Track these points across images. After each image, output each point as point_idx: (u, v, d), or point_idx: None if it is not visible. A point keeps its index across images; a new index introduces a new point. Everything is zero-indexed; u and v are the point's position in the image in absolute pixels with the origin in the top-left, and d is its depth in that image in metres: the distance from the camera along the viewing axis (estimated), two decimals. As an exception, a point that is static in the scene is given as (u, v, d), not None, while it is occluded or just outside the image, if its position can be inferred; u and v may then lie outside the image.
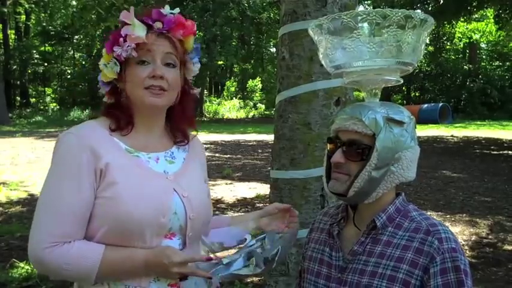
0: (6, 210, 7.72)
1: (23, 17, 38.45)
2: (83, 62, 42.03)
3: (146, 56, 1.67)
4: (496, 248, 6.02)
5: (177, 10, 1.74)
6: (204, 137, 21.18)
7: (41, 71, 39.79)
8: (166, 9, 1.72)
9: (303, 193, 2.86)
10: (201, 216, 1.75)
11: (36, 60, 38.78)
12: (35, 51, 38.67)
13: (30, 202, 8.05)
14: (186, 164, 1.81)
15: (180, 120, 1.83)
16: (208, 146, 17.75)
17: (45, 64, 39.46)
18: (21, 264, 5.01)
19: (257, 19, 31.68)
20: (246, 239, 1.80)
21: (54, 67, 41.27)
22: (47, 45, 40.02)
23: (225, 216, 2.09)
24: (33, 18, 39.26)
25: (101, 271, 1.56)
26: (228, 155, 15.28)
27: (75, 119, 29.37)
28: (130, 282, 1.62)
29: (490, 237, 6.48)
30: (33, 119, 29.64)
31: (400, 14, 1.48)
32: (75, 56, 43.57)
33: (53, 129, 23.26)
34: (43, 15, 36.81)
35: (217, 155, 15.19)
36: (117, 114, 1.72)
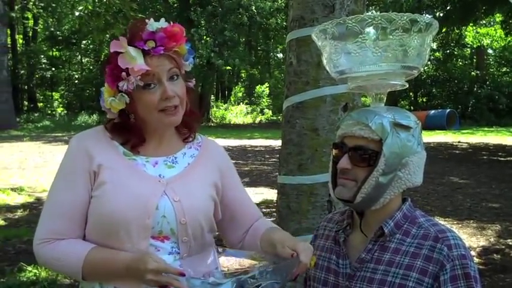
0: (14, 214, 7.74)
1: (31, 22, 38.64)
2: (91, 67, 42.20)
3: (152, 80, 1.65)
4: (504, 254, 5.98)
5: (162, 21, 1.70)
6: (210, 142, 21.10)
7: (49, 75, 39.81)
8: (151, 24, 1.67)
9: (310, 198, 2.86)
10: (197, 222, 1.72)
11: (43, 65, 38.90)
12: (42, 56, 38.83)
13: (37, 206, 8.06)
14: (190, 169, 1.80)
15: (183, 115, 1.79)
16: (215, 151, 17.68)
17: (53, 69, 39.51)
18: (29, 268, 5.02)
19: (265, 25, 31.71)
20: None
21: (61, 72, 41.32)
22: (54, 50, 40.16)
23: (262, 229, 1.86)
24: (41, 23, 39.41)
25: (85, 269, 1.62)
26: (235, 160, 15.24)
27: (82, 124, 29.45)
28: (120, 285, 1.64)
29: (497, 243, 6.44)
30: (41, 124, 29.66)
31: (405, 17, 1.47)
32: (83, 61, 43.76)
33: (60, 134, 23.29)
34: (51, 20, 36.97)
35: (223, 160, 15.14)
36: (128, 135, 1.74)
